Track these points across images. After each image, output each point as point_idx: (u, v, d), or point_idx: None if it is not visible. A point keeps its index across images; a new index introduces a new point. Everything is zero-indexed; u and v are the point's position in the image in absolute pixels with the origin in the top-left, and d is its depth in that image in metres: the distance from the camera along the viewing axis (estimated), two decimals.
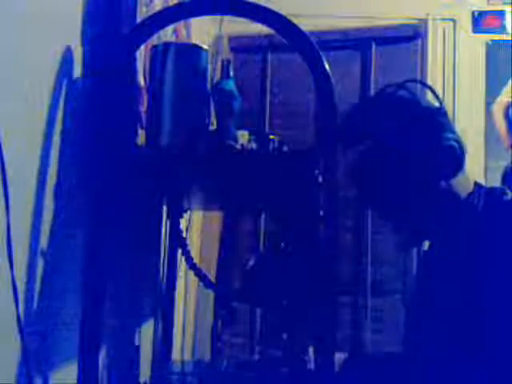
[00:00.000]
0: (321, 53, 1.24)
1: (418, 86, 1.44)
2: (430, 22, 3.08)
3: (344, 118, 1.35)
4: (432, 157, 1.29)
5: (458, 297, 1.24)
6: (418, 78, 2.98)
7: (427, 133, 1.29)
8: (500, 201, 1.31)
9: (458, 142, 1.31)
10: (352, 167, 1.35)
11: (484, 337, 1.18)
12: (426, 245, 1.44)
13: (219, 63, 1.45)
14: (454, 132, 1.32)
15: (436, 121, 1.31)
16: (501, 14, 3.14)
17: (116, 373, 1.60)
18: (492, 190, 1.35)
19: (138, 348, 1.76)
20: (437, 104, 1.35)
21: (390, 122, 1.32)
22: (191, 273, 1.59)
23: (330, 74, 1.24)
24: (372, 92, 3.06)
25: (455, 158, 1.30)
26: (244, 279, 1.50)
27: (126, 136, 1.45)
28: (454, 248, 1.30)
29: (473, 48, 3.10)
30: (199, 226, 2.93)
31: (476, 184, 1.35)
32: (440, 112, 1.33)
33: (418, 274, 1.53)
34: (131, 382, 1.72)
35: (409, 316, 1.50)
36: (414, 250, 2.80)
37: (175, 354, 1.93)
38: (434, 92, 1.38)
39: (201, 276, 1.57)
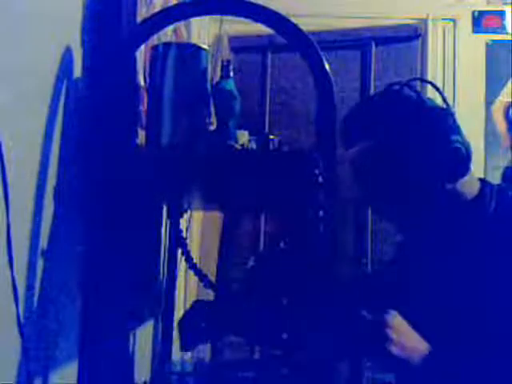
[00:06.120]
0: (321, 53, 1.24)
1: (427, 88, 1.42)
2: (429, 22, 3.08)
3: (349, 117, 1.34)
4: (438, 158, 1.27)
5: (467, 300, 1.22)
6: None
7: (433, 134, 1.27)
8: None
9: (464, 143, 1.29)
10: (356, 167, 1.34)
11: (490, 339, 1.17)
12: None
13: (219, 63, 1.45)
14: (460, 134, 1.30)
15: (442, 122, 1.29)
16: (501, 14, 3.14)
17: (116, 373, 1.59)
18: (502, 187, 1.33)
19: (137, 348, 1.76)
20: (443, 105, 1.33)
21: (395, 121, 1.30)
22: (191, 273, 1.59)
23: (330, 73, 1.24)
24: (372, 91, 3.06)
25: (461, 159, 1.28)
26: (244, 279, 1.50)
27: (126, 136, 1.45)
28: (463, 248, 1.28)
29: (473, 48, 3.10)
30: (199, 226, 2.93)
31: (482, 182, 1.33)
32: (446, 113, 1.31)
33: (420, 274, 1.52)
34: (131, 382, 1.72)
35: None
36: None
37: (175, 354, 1.92)
38: (441, 93, 1.36)
39: (201, 276, 1.57)
